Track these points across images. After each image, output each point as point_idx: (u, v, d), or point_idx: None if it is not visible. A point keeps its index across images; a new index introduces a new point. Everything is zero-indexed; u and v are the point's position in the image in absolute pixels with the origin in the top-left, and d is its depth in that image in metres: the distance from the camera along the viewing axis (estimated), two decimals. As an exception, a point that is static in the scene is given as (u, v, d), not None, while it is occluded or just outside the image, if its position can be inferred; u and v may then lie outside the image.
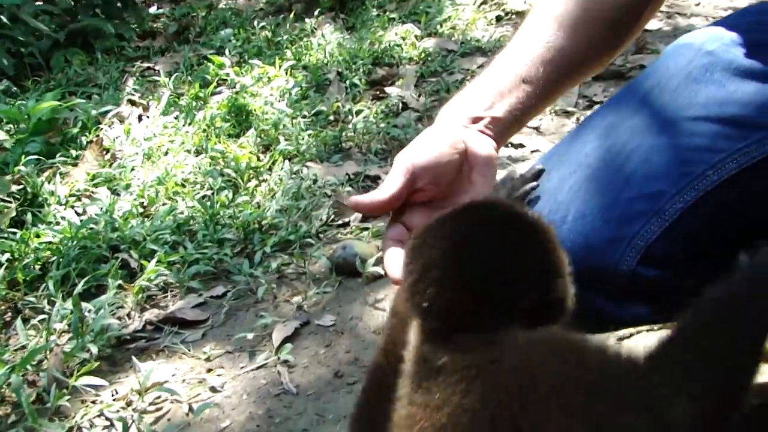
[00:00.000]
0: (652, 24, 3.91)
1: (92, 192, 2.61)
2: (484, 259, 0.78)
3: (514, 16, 4.21)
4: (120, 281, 2.10)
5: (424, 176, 1.07)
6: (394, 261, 1.00)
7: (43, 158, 2.85)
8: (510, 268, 0.78)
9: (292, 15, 4.49)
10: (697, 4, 4.24)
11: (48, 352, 1.88)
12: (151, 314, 2.03)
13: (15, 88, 3.78)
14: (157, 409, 1.70)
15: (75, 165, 2.82)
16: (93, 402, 1.74)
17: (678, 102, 1.14)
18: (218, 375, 1.78)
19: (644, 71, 1.29)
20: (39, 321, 2.00)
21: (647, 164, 1.12)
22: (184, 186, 2.57)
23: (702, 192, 1.09)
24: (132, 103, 3.36)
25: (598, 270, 1.11)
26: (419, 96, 3.18)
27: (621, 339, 1.71)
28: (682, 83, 1.15)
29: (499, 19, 4.11)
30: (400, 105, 3.08)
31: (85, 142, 2.98)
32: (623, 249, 1.10)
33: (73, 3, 4.59)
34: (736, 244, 1.17)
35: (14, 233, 2.33)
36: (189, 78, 3.61)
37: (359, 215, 2.33)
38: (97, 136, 3.00)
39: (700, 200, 1.09)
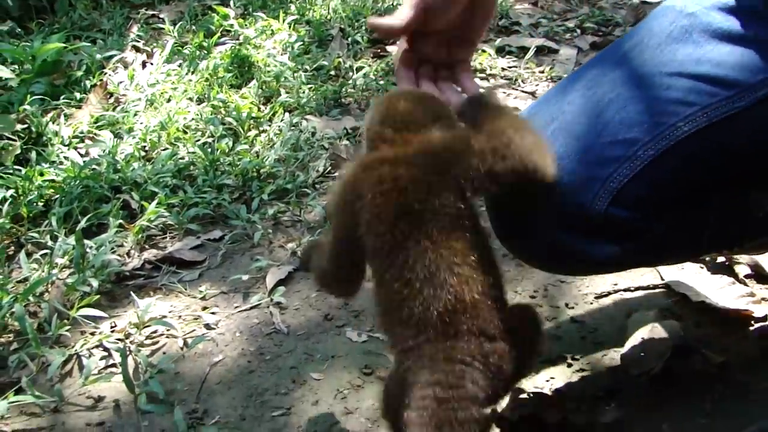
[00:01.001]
0: (653, -4, 3.95)
1: (95, 134, 2.66)
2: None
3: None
4: (121, 221, 2.17)
5: (436, 6, 1.22)
6: (402, 83, 1.30)
7: (47, 99, 2.89)
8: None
9: (297, -31, 4.50)
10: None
11: (50, 285, 1.95)
12: (150, 254, 2.10)
13: (19, 30, 3.80)
14: (154, 343, 1.78)
15: (79, 107, 2.87)
16: (92, 333, 1.81)
17: (657, 59, 1.24)
18: (213, 313, 1.85)
19: (630, 31, 1.38)
20: (41, 255, 2.07)
21: (624, 113, 1.22)
22: (185, 132, 2.63)
23: (673, 141, 1.19)
24: (136, 49, 3.39)
25: (573, 209, 1.22)
26: (420, 56, 3.22)
27: (599, 297, 1.79)
28: (663, 42, 1.25)
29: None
30: (400, 64, 3.12)
31: (89, 86, 3.02)
32: (597, 189, 1.20)
33: (79, -54, 4.59)
34: (702, 194, 1.28)
35: (19, 170, 2.39)
36: (193, 27, 3.64)
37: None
38: (101, 80, 3.04)
39: (671, 149, 1.19)
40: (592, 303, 1.79)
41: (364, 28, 3.46)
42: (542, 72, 3.08)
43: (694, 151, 1.21)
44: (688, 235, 1.33)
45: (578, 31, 3.48)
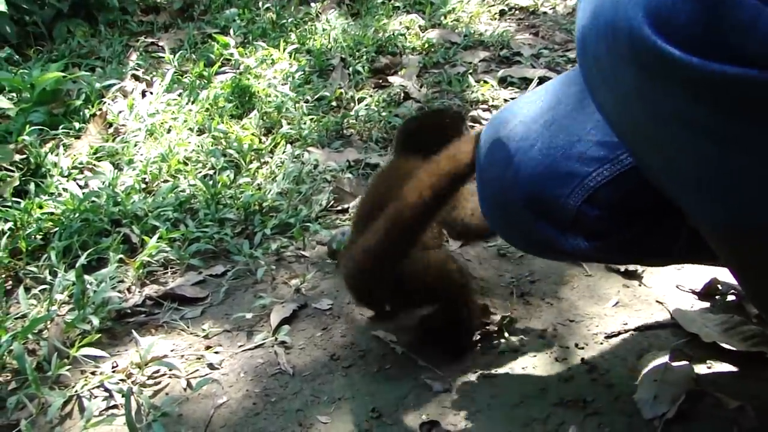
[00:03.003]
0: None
1: (95, 165, 2.63)
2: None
3: (517, 12, 4.25)
4: (121, 255, 2.14)
5: None
6: None
7: (46, 129, 2.87)
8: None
9: (297, -2, 4.51)
10: None
11: (49, 322, 1.92)
12: (151, 289, 2.07)
13: (17, 57, 3.78)
14: (156, 383, 1.74)
15: (78, 137, 2.85)
16: (93, 373, 1.77)
17: None
18: (216, 352, 1.82)
19: None
20: (40, 290, 2.04)
21: None
22: (186, 164, 2.60)
23: None
24: (136, 78, 3.38)
25: (550, 198, 1.27)
26: (421, 87, 3.21)
27: (609, 336, 1.76)
28: None
29: (502, 13, 4.15)
30: (402, 95, 3.12)
31: (88, 115, 3.01)
32: (575, 185, 1.25)
33: (77, -27, 4.59)
34: (671, 206, 1.28)
35: (17, 202, 2.36)
36: (193, 56, 3.63)
37: (358, 202, 2.37)
38: (101, 109, 3.02)
39: None
40: (602, 343, 1.76)
41: (365, 57, 3.45)
42: (544, 103, 3.07)
43: None
44: (658, 243, 1.35)
45: (579, 62, 3.47)
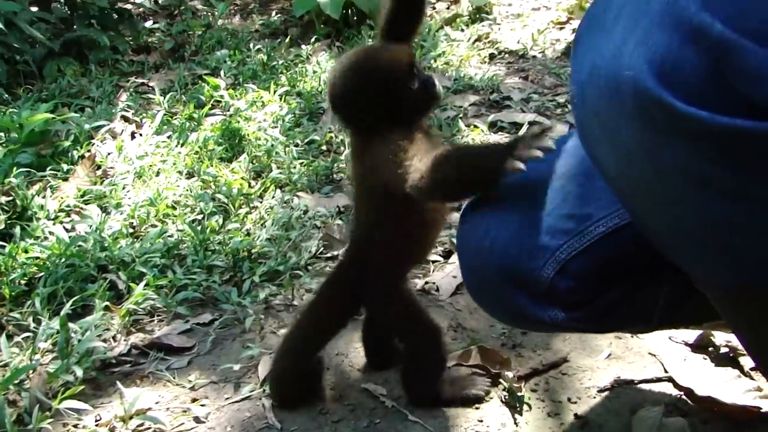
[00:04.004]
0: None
1: (82, 208, 2.61)
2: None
3: (507, 55, 4.27)
4: (107, 302, 2.10)
5: None
6: None
7: (33, 170, 2.85)
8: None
9: (287, 40, 4.53)
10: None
11: (31, 372, 1.87)
12: (137, 338, 2.03)
13: (6, 95, 3.77)
14: (140, 437, 1.70)
15: (65, 179, 2.83)
16: (75, 426, 1.73)
17: None
18: (202, 405, 1.78)
19: None
20: (23, 338, 2.00)
21: (584, 188, 1.27)
22: (174, 208, 2.58)
23: (624, 221, 1.23)
24: (125, 119, 3.37)
25: (525, 271, 1.28)
26: (411, 131, 3.21)
27: (602, 390, 1.74)
28: None
29: (492, 57, 4.17)
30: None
31: (76, 157, 2.99)
32: (546, 258, 1.26)
33: (69, 12, 4.60)
34: (653, 273, 1.28)
35: (2, 246, 2.33)
36: (183, 97, 3.63)
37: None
38: (89, 151, 3.00)
39: (621, 228, 1.23)
40: (595, 397, 1.74)
41: (355, 101, 3.45)
42: (535, 148, 3.07)
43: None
44: (636, 311, 1.35)
45: (569, 106, 3.48)
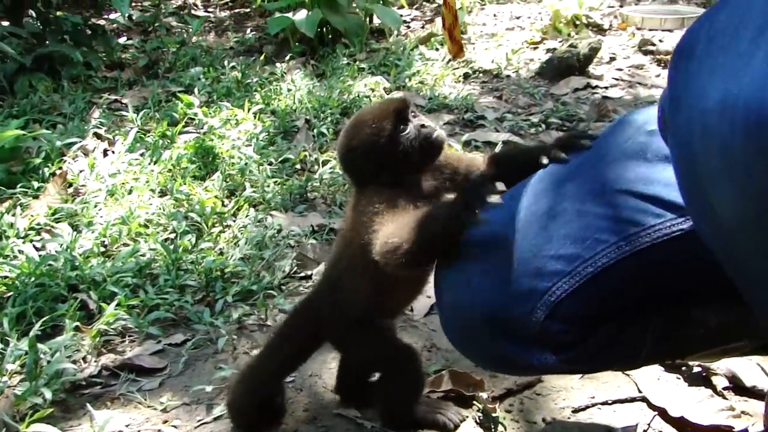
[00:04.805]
0: (615, 92, 4.02)
1: (53, 227, 2.58)
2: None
3: (481, 75, 4.30)
4: (77, 323, 2.07)
5: None
6: None
7: (2, 188, 2.81)
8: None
9: (262, 57, 4.53)
10: (658, 76, 4.36)
11: (-1, 394, 1.84)
12: (108, 359, 2.00)
13: (-23, 111, 3.73)
14: (110, 461, 1.68)
15: (36, 197, 2.79)
16: (44, 450, 1.70)
17: (610, 174, 1.25)
18: (174, 427, 1.75)
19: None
20: (-10, 360, 1.96)
21: (569, 227, 1.24)
22: (147, 227, 2.56)
23: (613, 260, 1.21)
24: (98, 136, 3.34)
25: (512, 318, 1.25)
26: (386, 149, 3.20)
27: (576, 411, 1.74)
28: (618, 157, 1.27)
29: (466, 76, 4.20)
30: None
31: (47, 174, 2.95)
32: (535, 302, 1.23)
33: (41, 27, 4.57)
34: (641, 311, 1.27)
35: (-30, 265, 2.29)
36: (157, 115, 3.60)
37: (321, 269, 2.35)
38: (61, 168, 2.97)
39: (611, 267, 1.21)
40: (569, 417, 1.73)
41: (329, 119, 3.45)
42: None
43: (634, 270, 1.21)
44: (625, 349, 1.33)
45: (543, 126, 3.51)
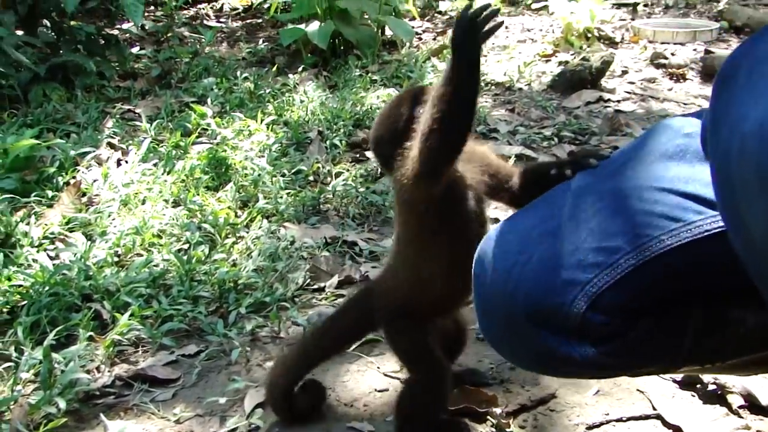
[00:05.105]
0: (627, 106, 4.02)
1: (66, 236, 2.58)
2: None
3: (493, 87, 4.31)
4: (91, 332, 2.07)
5: None
6: None
7: (17, 196, 2.82)
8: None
9: (274, 68, 4.54)
10: (670, 89, 4.37)
11: (13, 404, 1.84)
12: (121, 369, 2.01)
13: (-9, 120, 3.75)
14: (124, 472, 1.68)
15: (50, 206, 2.80)
16: (57, 460, 1.70)
17: (650, 173, 1.29)
18: (188, 438, 1.76)
19: (629, 143, 1.44)
20: (5, 369, 1.97)
21: (610, 222, 1.27)
22: (160, 237, 2.57)
23: (655, 253, 1.22)
24: (111, 146, 3.35)
25: (552, 309, 1.25)
26: (398, 162, 3.21)
27: (590, 428, 1.73)
28: (658, 158, 1.30)
29: (479, 89, 4.19)
30: (379, 170, 3.11)
31: (61, 183, 2.97)
32: (576, 293, 1.24)
33: (55, 37, 4.60)
34: (681, 306, 1.28)
35: (-16, 274, 2.30)
36: (170, 125, 3.62)
37: (335, 281, 2.35)
38: (74, 177, 2.98)
39: (652, 261, 1.22)
40: (583, 434, 1.73)
41: (342, 131, 3.46)
42: (521, 181, 3.08)
43: (674, 265, 1.23)
44: (664, 345, 1.34)
45: (555, 139, 3.51)
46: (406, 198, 1.47)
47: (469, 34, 1.29)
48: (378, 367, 1.98)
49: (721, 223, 1.19)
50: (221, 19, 6.37)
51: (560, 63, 4.71)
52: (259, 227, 2.63)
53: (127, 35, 5.40)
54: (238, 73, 4.39)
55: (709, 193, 1.20)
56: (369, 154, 3.28)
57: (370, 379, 1.93)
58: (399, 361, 1.77)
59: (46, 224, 2.65)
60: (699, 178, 1.24)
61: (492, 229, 1.40)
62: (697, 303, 1.31)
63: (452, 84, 1.31)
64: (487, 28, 1.30)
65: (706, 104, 4.01)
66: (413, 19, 5.68)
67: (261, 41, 5.46)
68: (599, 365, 1.35)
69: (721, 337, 1.35)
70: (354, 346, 2.03)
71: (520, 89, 4.29)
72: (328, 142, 3.37)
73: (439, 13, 6.18)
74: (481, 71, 1.28)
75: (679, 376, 1.88)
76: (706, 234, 1.21)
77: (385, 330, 1.69)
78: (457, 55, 1.30)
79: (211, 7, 6.67)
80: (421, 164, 1.38)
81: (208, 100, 3.89)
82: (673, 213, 1.23)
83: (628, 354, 1.32)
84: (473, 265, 1.39)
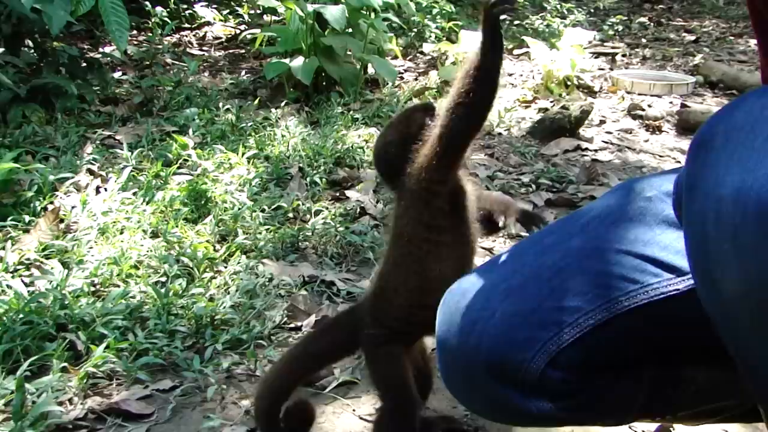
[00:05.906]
0: (604, 156, 4.09)
1: (42, 263, 2.57)
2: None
3: (473, 131, 4.34)
4: (65, 363, 2.06)
5: None
6: None
7: (-7, 220, 2.80)
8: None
9: (256, 101, 4.56)
10: (646, 141, 4.45)
11: (-19, 435, 1.83)
12: (95, 402, 1.99)
13: (-31, 139, 3.72)
14: None
15: (27, 231, 2.78)
16: (25, 494, 1.68)
17: (611, 234, 1.35)
18: (159, 477, 1.75)
19: (590, 203, 1.52)
20: (-25, 398, 1.95)
21: (572, 281, 1.31)
22: (138, 268, 2.56)
23: (613, 314, 1.28)
24: (90, 172, 3.34)
25: (512, 364, 1.30)
26: (377, 202, 3.23)
27: None
28: (619, 219, 1.36)
29: (459, 132, 4.23)
30: (359, 210, 3.13)
31: (39, 208, 2.95)
32: (536, 350, 1.28)
33: (38, 58, 4.58)
34: (636, 365, 1.35)
35: (-43, 299, 2.27)
36: (151, 154, 3.61)
37: (312, 320, 2.35)
38: (52, 203, 2.97)
39: (610, 321, 1.28)
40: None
41: (323, 168, 3.48)
42: (498, 227, 3.11)
43: (631, 326, 1.29)
44: (619, 401, 1.39)
45: (533, 186, 3.56)
46: (423, 186, 1.50)
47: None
48: (353, 410, 1.98)
49: (678, 286, 1.26)
50: (203, 47, 6.39)
51: (540, 110, 4.77)
52: (238, 263, 2.63)
53: (109, 59, 5.39)
54: (221, 104, 4.40)
55: (666, 256, 1.28)
56: (370, 170, 3.31)
57: (346, 422, 1.94)
58: (374, 386, 1.76)
59: (21, 250, 2.63)
60: (657, 240, 1.30)
61: (454, 285, 1.43)
62: (651, 361, 1.36)
63: (484, 50, 1.38)
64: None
65: (681, 157, 4.09)
66: (395, 57, 5.73)
67: (243, 72, 5.48)
68: (555, 419, 1.40)
69: (673, 393, 1.41)
70: (329, 388, 2.04)
71: (500, 134, 4.34)
72: (308, 179, 3.38)
73: (421, 53, 6.24)
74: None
75: (652, 429, 1.91)
76: (662, 296, 1.26)
77: (365, 352, 1.70)
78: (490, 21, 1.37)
79: (194, 35, 6.68)
80: (445, 140, 1.44)
81: (190, 131, 3.89)
82: (632, 275, 1.28)
83: (583, 409, 1.37)
84: (438, 312, 1.41)
